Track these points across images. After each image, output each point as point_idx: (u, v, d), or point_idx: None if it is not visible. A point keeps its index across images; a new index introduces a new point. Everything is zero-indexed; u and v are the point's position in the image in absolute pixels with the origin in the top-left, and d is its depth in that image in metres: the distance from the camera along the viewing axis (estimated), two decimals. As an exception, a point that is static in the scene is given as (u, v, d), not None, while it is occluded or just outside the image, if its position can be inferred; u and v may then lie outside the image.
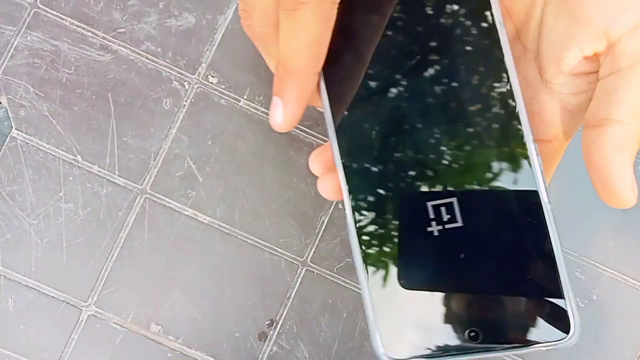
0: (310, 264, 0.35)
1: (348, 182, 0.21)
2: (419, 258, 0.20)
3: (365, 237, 0.20)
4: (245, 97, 0.36)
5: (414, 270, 0.20)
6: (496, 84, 0.21)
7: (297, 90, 0.20)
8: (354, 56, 0.21)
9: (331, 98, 0.21)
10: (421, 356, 0.19)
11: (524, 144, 0.21)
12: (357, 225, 0.20)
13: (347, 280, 0.35)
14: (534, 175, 0.20)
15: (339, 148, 0.21)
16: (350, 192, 0.20)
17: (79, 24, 0.35)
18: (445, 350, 0.19)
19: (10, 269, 0.34)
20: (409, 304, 0.20)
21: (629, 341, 0.35)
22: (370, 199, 0.21)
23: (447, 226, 0.20)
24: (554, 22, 0.22)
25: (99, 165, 0.35)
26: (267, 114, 0.36)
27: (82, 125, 0.35)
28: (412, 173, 0.20)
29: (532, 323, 0.19)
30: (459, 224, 0.20)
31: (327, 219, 0.35)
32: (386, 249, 0.20)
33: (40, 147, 0.35)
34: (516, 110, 0.21)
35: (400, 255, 0.20)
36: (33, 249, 0.34)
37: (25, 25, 0.35)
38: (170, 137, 0.35)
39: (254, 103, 0.36)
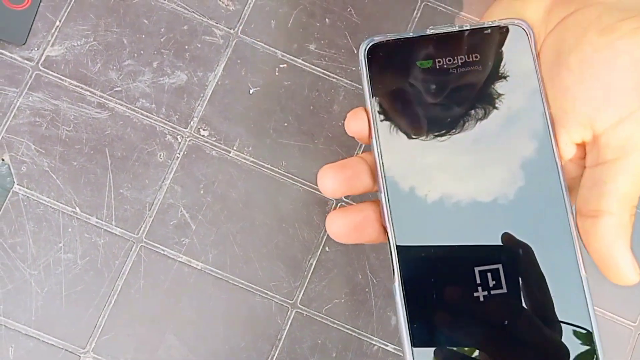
0: (300, 305, 0.36)
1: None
2: (466, 322, 0.21)
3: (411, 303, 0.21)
4: (235, 148, 0.38)
5: (458, 333, 0.21)
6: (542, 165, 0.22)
7: None
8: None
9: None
10: None
11: (567, 220, 0.22)
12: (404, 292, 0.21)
13: (335, 321, 0.36)
14: (574, 243, 0.22)
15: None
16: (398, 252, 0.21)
17: (78, 84, 0.38)
18: None
19: (11, 318, 0.35)
20: None
21: None
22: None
23: (493, 292, 0.21)
24: None
25: (97, 217, 0.37)
26: (256, 164, 0.37)
27: (81, 179, 0.37)
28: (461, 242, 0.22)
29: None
30: (504, 290, 0.21)
31: (315, 262, 0.37)
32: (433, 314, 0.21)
33: (41, 201, 0.36)
34: (560, 185, 0.22)
35: (446, 319, 0.21)
36: (33, 299, 0.36)
37: (28, 86, 0.37)
38: (165, 187, 0.37)
39: (243, 153, 0.38)
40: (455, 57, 0.23)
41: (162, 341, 0.36)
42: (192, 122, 0.38)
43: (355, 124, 0.23)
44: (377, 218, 0.22)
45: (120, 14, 0.38)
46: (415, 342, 0.20)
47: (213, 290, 0.36)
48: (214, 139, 0.38)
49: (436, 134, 0.22)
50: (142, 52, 0.38)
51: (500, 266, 0.21)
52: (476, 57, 0.23)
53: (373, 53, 0.22)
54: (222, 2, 0.39)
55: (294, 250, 0.37)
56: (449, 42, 0.23)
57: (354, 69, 0.38)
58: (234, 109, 0.38)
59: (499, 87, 0.23)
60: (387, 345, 0.36)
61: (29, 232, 0.36)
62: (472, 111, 0.22)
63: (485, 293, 0.21)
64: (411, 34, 0.23)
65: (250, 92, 0.38)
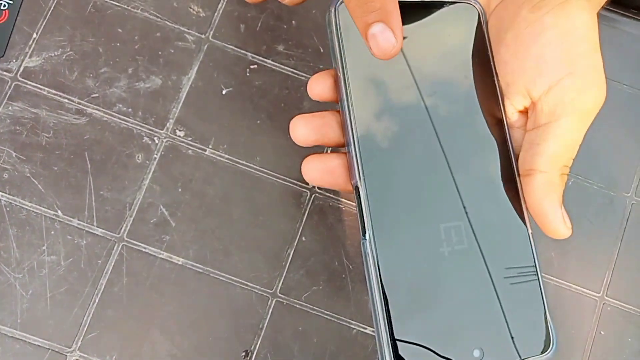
0: (280, 295, 0.37)
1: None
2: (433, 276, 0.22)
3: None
4: (210, 146, 0.39)
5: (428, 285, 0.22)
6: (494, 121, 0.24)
7: (393, 5, 0.20)
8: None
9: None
10: None
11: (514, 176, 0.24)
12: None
13: (314, 308, 0.37)
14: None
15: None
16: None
17: (56, 92, 0.38)
18: None
19: (-3, 322, 0.36)
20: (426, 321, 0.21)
21: (578, 344, 0.37)
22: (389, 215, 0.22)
23: (456, 247, 0.22)
24: None
25: (79, 219, 0.37)
26: (232, 161, 0.38)
27: (62, 183, 0.37)
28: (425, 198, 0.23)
29: (525, 341, 0.22)
30: (465, 246, 0.22)
31: (292, 252, 0.38)
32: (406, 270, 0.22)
33: (23, 206, 0.37)
34: (510, 151, 0.24)
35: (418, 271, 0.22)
36: (18, 302, 0.36)
37: (7, 97, 0.38)
38: (144, 187, 0.38)
39: (218, 151, 0.39)
40: (417, 27, 0.24)
41: (147, 337, 0.36)
42: (168, 124, 0.39)
43: (318, 86, 0.24)
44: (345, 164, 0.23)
45: (95, 24, 0.39)
46: (391, 303, 0.21)
47: (195, 285, 0.37)
48: (190, 138, 0.39)
49: (401, 98, 0.23)
50: (117, 59, 0.39)
51: (462, 224, 0.22)
52: (436, 28, 0.24)
53: (343, 11, 0.23)
54: (193, 9, 0.40)
55: (272, 242, 0.38)
56: (414, 10, 0.24)
57: (321, 67, 0.40)
58: (208, 109, 0.39)
59: (456, 56, 0.24)
60: (365, 329, 0.37)
61: (12, 237, 0.37)
62: (433, 78, 0.24)
63: (449, 249, 0.22)
64: None
65: (223, 92, 0.39)
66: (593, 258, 0.38)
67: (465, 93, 0.24)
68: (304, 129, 0.24)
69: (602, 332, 0.37)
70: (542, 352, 0.22)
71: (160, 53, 0.39)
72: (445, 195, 0.22)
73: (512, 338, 0.22)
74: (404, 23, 0.22)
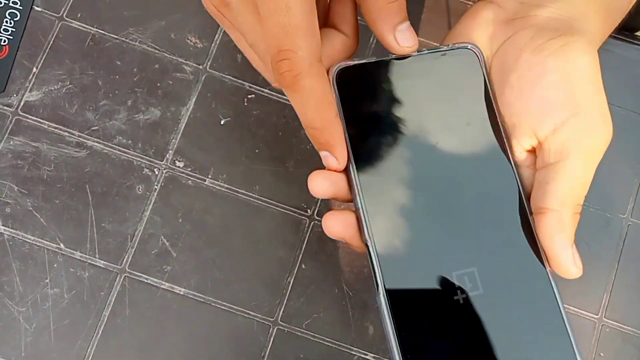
0: (281, 322, 0.37)
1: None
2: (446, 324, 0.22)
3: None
4: (209, 176, 0.39)
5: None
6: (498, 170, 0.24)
7: (332, 136, 0.23)
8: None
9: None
10: None
11: (527, 215, 0.23)
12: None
13: (315, 335, 0.37)
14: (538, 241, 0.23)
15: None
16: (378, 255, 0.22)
17: (57, 125, 0.38)
18: None
19: (1, 356, 0.35)
20: None
21: None
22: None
23: (472, 294, 0.22)
24: None
25: (81, 251, 0.37)
26: (231, 190, 0.38)
27: (64, 216, 0.37)
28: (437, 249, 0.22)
29: None
30: (481, 291, 0.22)
31: (292, 279, 0.38)
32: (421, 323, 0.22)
33: (26, 240, 0.37)
34: (518, 188, 0.24)
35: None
36: (22, 335, 0.36)
37: (8, 131, 0.38)
38: (145, 219, 0.38)
39: (217, 181, 0.39)
40: (417, 78, 0.24)
41: (150, 367, 0.36)
42: (167, 155, 0.39)
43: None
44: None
45: (94, 58, 0.40)
46: (405, 350, 0.21)
47: (196, 314, 0.37)
48: (190, 169, 0.39)
49: (406, 150, 0.23)
50: (116, 91, 0.39)
51: (475, 269, 0.22)
52: (435, 77, 0.24)
53: (341, 77, 0.24)
54: (190, 41, 0.40)
55: (272, 270, 0.38)
56: (411, 64, 0.24)
57: (318, 95, 0.40)
58: (206, 139, 0.39)
59: (457, 103, 0.24)
60: (366, 355, 0.37)
61: (16, 271, 0.37)
62: (437, 127, 0.24)
63: (464, 296, 0.22)
64: (374, 58, 0.24)
65: (222, 122, 0.39)
66: (591, 280, 0.38)
67: (470, 138, 0.24)
68: (322, 181, 0.25)
69: (601, 354, 0.37)
70: None
71: (158, 84, 0.39)
72: (457, 243, 0.22)
73: None
74: (404, 76, 0.22)
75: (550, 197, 0.23)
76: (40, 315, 0.36)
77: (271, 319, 0.37)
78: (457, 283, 0.22)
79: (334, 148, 0.23)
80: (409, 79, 0.24)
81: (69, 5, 0.40)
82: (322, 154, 0.24)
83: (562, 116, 0.23)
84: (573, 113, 0.23)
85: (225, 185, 0.38)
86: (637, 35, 0.41)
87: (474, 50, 0.25)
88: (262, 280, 0.37)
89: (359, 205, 0.22)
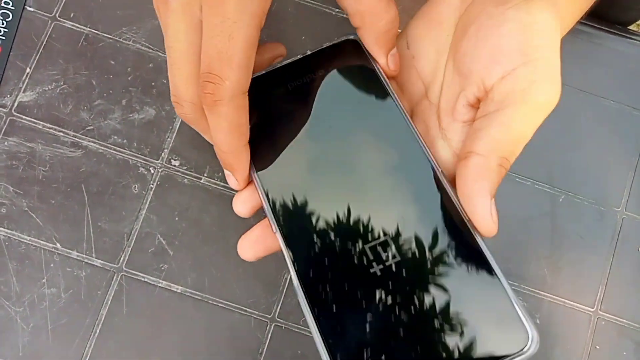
0: (278, 319, 0.37)
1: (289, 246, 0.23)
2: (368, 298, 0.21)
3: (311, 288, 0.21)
4: (205, 174, 0.39)
5: (365, 310, 0.21)
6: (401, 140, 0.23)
7: (237, 162, 0.24)
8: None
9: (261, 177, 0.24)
10: None
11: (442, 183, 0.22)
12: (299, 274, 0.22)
13: (313, 331, 0.37)
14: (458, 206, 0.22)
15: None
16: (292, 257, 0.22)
17: (51, 126, 0.38)
18: None
19: (-1, 356, 0.35)
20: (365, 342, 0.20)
21: (574, 357, 0.37)
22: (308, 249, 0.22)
23: (388, 263, 0.21)
24: (450, 79, 0.25)
25: (77, 251, 0.37)
26: (227, 188, 0.38)
27: (60, 216, 0.37)
28: (345, 224, 0.22)
29: (496, 342, 0.20)
30: (398, 259, 0.21)
31: (289, 277, 0.37)
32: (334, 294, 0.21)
33: (22, 240, 0.37)
34: (425, 155, 0.23)
35: (348, 296, 0.21)
36: (20, 335, 0.36)
37: (2, 132, 0.38)
38: (141, 217, 0.38)
39: (213, 179, 0.38)
40: (307, 77, 0.25)
41: (148, 365, 0.36)
42: (163, 154, 0.39)
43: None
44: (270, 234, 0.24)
45: (87, 57, 0.39)
46: (326, 335, 0.20)
47: (194, 312, 0.37)
48: (185, 167, 0.38)
49: (308, 145, 0.24)
50: (111, 91, 0.39)
51: (389, 239, 0.21)
52: (327, 71, 0.25)
53: (259, 82, 0.25)
54: (184, 39, 0.40)
55: (268, 267, 0.37)
56: (302, 65, 0.25)
57: (312, 92, 0.40)
58: (201, 138, 0.38)
59: (352, 90, 0.24)
60: (363, 350, 0.37)
61: (12, 271, 0.36)
62: (338, 119, 0.24)
63: (381, 267, 0.21)
64: (264, 71, 0.25)
65: (216, 121, 0.39)
66: (586, 273, 0.38)
67: (370, 119, 0.24)
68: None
69: (597, 347, 0.37)
70: (522, 349, 0.20)
71: (153, 84, 0.39)
72: (365, 218, 0.22)
73: (485, 340, 0.20)
74: (298, 78, 0.24)
75: (478, 142, 0.22)
76: (37, 315, 0.36)
77: (268, 316, 0.37)
78: (371, 255, 0.21)
79: (237, 172, 0.25)
80: (303, 80, 0.25)
81: (62, 5, 0.40)
82: (226, 172, 0.25)
83: (512, 64, 0.22)
84: (523, 62, 0.22)
85: (221, 184, 0.38)
86: (629, 29, 0.41)
87: (357, 40, 0.25)
88: (259, 278, 0.37)
89: (265, 206, 0.23)
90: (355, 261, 0.21)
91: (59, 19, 0.40)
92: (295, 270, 0.21)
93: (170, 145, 0.38)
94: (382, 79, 0.24)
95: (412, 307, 0.20)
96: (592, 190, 0.39)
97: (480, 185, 0.21)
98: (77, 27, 0.40)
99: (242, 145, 0.24)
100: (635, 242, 0.39)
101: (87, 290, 0.36)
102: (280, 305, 0.37)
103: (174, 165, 0.38)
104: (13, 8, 0.39)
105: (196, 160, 0.38)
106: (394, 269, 0.21)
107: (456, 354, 0.19)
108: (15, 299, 0.36)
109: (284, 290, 0.37)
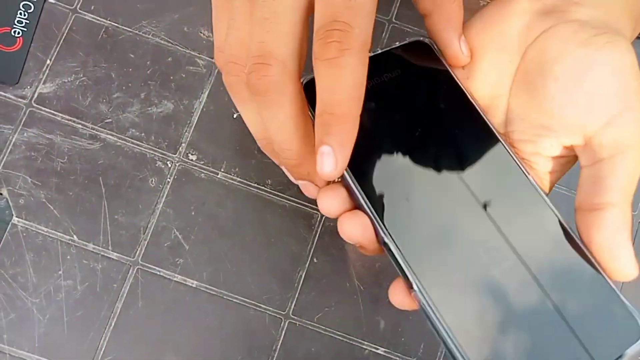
0: (292, 316, 0.37)
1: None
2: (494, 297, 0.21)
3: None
4: (222, 169, 0.38)
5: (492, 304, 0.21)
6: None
7: (346, 134, 0.21)
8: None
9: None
10: None
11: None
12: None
13: (327, 329, 0.37)
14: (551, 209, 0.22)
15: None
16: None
17: (70, 117, 0.38)
18: None
19: (15, 346, 0.35)
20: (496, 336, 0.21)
21: None
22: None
23: (503, 265, 0.22)
24: (524, 113, 0.25)
25: (94, 243, 0.37)
26: (243, 183, 0.38)
27: (77, 207, 0.37)
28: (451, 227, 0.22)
29: (615, 337, 0.21)
30: (511, 261, 0.22)
31: (304, 274, 0.37)
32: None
33: (40, 231, 0.37)
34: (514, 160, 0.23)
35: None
36: (36, 326, 0.36)
37: (22, 123, 0.38)
38: (157, 211, 0.38)
39: (230, 174, 0.38)
40: (386, 75, 0.24)
41: (162, 359, 0.36)
42: (180, 148, 0.38)
43: (331, 204, 0.24)
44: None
45: (107, 50, 0.39)
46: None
47: (209, 307, 0.37)
48: (202, 162, 0.38)
49: (395, 146, 0.23)
50: (130, 84, 0.39)
51: (502, 242, 0.22)
52: (402, 71, 0.25)
53: (309, 87, 0.23)
54: (203, 34, 0.40)
55: (284, 264, 0.37)
56: (375, 64, 0.25)
57: (330, 89, 0.39)
58: (219, 133, 0.39)
59: (427, 89, 0.24)
60: (377, 349, 0.36)
61: (29, 262, 0.37)
62: (419, 118, 0.24)
63: (497, 267, 0.21)
64: None
65: (234, 116, 0.39)
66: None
67: (455, 124, 0.24)
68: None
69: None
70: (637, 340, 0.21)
71: (171, 78, 0.39)
72: (472, 219, 0.22)
73: (602, 337, 0.21)
74: (373, 75, 0.23)
75: (610, 192, 0.22)
76: (53, 307, 0.36)
77: (283, 313, 0.37)
78: (486, 257, 0.22)
79: (341, 143, 0.21)
80: (378, 77, 0.24)
81: (83, -2, 0.40)
82: (323, 150, 0.21)
83: (613, 110, 0.23)
84: (626, 107, 0.22)
85: (238, 179, 0.38)
86: None
87: (427, 42, 0.25)
88: (274, 274, 0.37)
89: (366, 209, 0.22)
90: (471, 263, 0.21)
91: (79, 11, 0.40)
92: (418, 281, 0.21)
93: (188, 139, 0.38)
94: (457, 81, 0.24)
95: (533, 307, 0.21)
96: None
97: (622, 237, 0.22)
98: (98, 20, 0.40)
99: (358, 114, 0.21)
100: (653, 246, 0.38)
101: (103, 283, 0.36)
102: (295, 302, 0.37)
103: (191, 160, 0.38)
104: (35, 0, 0.39)
105: (213, 155, 0.38)
106: (512, 271, 0.22)
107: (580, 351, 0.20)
108: (32, 290, 0.36)
109: (299, 287, 0.37)
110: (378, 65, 0.24)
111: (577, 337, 0.21)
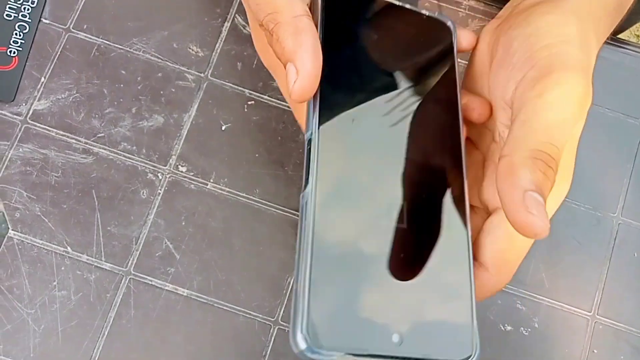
0: (281, 322, 0.37)
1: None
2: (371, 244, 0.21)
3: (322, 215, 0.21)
4: (211, 180, 0.39)
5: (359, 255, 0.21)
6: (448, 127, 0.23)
7: (306, 42, 0.20)
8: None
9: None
10: (347, 353, 0.20)
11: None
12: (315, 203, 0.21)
13: (315, 334, 0.37)
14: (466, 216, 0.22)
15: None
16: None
17: (64, 133, 0.39)
18: (368, 349, 0.20)
19: (10, 357, 0.35)
20: (345, 297, 0.20)
21: (573, 361, 0.37)
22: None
23: (393, 225, 0.21)
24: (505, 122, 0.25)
25: (87, 254, 0.37)
26: (233, 194, 0.38)
27: (71, 220, 0.37)
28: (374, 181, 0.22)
29: (447, 342, 0.20)
30: (403, 225, 0.21)
31: (292, 280, 0.37)
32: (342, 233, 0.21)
33: (35, 244, 0.37)
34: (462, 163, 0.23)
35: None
36: (31, 336, 0.36)
37: (17, 139, 0.38)
38: (149, 222, 0.38)
39: (219, 185, 0.39)
40: (397, 28, 0.24)
41: (155, 366, 0.36)
42: (170, 160, 0.39)
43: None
44: None
45: (99, 67, 0.40)
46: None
47: (199, 315, 0.37)
48: (192, 173, 0.39)
49: (368, 82, 0.23)
50: (121, 99, 0.39)
51: (403, 204, 0.21)
52: (412, 35, 0.24)
53: None
54: (192, 49, 0.40)
55: (272, 271, 0.37)
56: (398, 13, 0.24)
57: (315, 101, 0.40)
58: (208, 145, 0.39)
59: (425, 64, 0.24)
60: (365, 353, 0.36)
61: (25, 274, 0.37)
62: (399, 79, 0.24)
63: (387, 225, 0.21)
64: None
65: (223, 128, 0.39)
66: (583, 277, 0.38)
67: (429, 100, 0.24)
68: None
69: (594, 351, 0.37)
70: (464, 358, 0.20)
71: (161, 92, 0.40)
72: (393, 177, 0.22)
73: (435, 333, 0.20)
74: (386, 20, 0.23)
75: (504, 147, 0.21)
76: (48, 317, 0.36)
77: (272, 319, 0.37)
78: (384, 211, 0.21)
79: (302, 53, 0.21)
80: (390, 26, 0.24)
81: (76, 18, 0.40)
82: (288, 69, 0.20)
83: (522, 73, 0.22)
84: (531, 66, 0.22)
85: (227, 189, 0.38)
86: (619, 39, 0.41)
87: (451, 26, 0.25)
88: (263, 281, 0.37)
89: (316, 102, 0.22)
90: (369, 209, 0.21)
91: (72, 30, 0.40)
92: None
93: (178, 151, 0.39)
94: (455, 69, 0.24)
95: (393, 270, 0.21)
96: (588, 196, 0.39)
97: (511, 182, 0.20)
98: (90, 38, 0.40)
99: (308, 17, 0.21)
100: (632, 247, 0.38)
101: (97, 293, 0.36)
102: (283, 308, 0.37)
103: (181, 172, 0.38)
104: (29, 20, 0.40)
105: (203, 167, 0.38)
106: (395, 232, 0.21)
107: (406, 327, 0.20)
108: (28, 301, 0.36)
109: (287, 293, 0.37)
110: (395, 18, 0.24)
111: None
